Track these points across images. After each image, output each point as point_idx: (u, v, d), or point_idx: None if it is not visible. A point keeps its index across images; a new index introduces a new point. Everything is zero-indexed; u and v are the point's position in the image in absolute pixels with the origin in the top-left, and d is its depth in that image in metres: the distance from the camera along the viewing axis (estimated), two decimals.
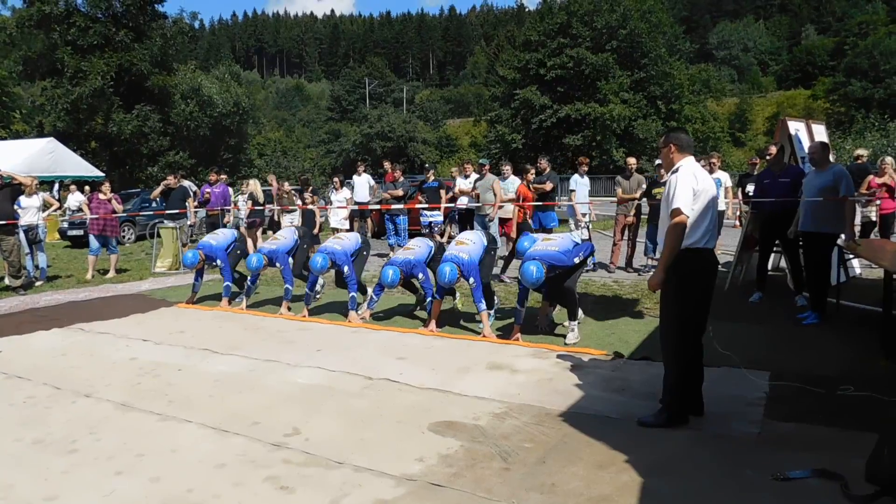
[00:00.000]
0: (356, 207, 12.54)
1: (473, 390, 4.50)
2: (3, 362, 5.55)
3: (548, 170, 10.12)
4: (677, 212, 3.62)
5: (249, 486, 3.18)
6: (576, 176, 10.05)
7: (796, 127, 8.25)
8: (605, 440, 3.59)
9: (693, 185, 3.67)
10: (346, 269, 6.94)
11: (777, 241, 7.24)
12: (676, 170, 3.79)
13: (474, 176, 10.98)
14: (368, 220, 14.49)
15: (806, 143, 7.82)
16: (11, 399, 4.60)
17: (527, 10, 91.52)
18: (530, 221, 9.44)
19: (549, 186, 9.86)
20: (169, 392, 4.66)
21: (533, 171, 9.89)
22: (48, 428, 4.02)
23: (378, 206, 12.33)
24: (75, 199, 14.93)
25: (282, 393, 4.60)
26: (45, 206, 10.48)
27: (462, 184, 11.03)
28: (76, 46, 31.39)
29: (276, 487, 3.17)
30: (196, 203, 12.16)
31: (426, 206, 11.46)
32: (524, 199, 9.42)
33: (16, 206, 9.60)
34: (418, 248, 6.78)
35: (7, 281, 9.31)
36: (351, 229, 11.88)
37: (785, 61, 72.45)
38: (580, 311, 6.10)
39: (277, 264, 7.48)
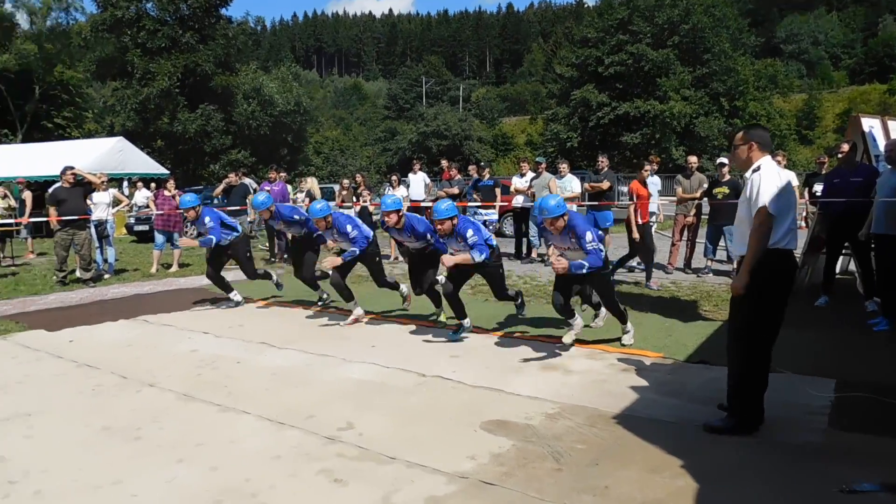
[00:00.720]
0: (411, 205, 12.62)
1: (526, 390, 4.48)
2: (74, 351, 5.81)
3: (605, 168, 9.98)
4: (763, 211, 3.48)
5: (304, 478, 3.24)
6: None
7: (870, 124, 7.89)
8: (659, 444, 3.52)
9: (777, 184, 3.54)
10: (349, 227, 6.57)
11: (846, 244, 6.95)
12: (757, 168, 3.63)
13: (530, 174, 10.92)
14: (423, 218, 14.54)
15: (881, 141, 7.48)
16: (81, 387, 4.81)
17: (585, 6, 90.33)
18: (640, 220, 8.48)
19: (605, 185, 9.72)
20: (228, 384, 4.79)
21: (649, 167, 9.26)
22: (115, 415, 4.18)
23: (432, 204, 12.37)
24: (142, 195, 15.47)
25: (336, 388, 4.68)
26: (115, 202, 10.92)
27: (518, 182, 10.98)
28: (145, 49, 32.63)
29: (330, 480, 3.22)
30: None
31: (479, 204, 11.45)
32: (639, 197, 8.67)
33: (88, 202, 10.04)
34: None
35: (78, 273, 9.74)
36: None
37: (859, 54, 69.27)
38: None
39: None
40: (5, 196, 12.87)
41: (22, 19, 36.66)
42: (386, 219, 6.18)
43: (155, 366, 5.30)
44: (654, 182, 9.81)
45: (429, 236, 6.30)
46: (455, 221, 5.70)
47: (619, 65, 35.53)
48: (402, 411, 4.16)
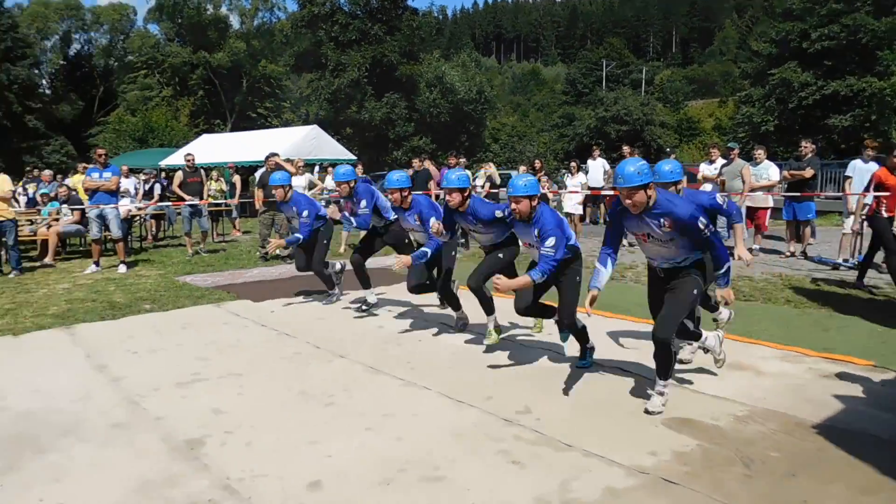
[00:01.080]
0: (589, 192, 12.38)
1: (712, 389, 4.23)
2: (276, 321, 6.41)
3: (810, 154, 9.11)
4: None
5: (483, 457, 3.32)
6: (857, 161, 8.76)
7: None
8: (870, 461, 3.16)
9: None
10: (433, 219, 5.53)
11: None
12: None
13: (720, 161, 10.25)
14: (601, 206, 14.22)
15: None
16: (282, 353, 5.30)
17: None
18: (885, 213, 7.12)
19: (809, 173, 8.88)
20: (411, 360, 5.03)
21: None
22: (310, 381, 4.55)
23: (612, 192, 12.05)
24: (332, 180, 16.59)
25: (513, 371, 4.74)
26: (310, 186, 11.82)
27: (706, 170, 10.36)
28: (337, 42, 34.98)
29: (508, 461, 3.26)
30: (437, 185, 12.86)
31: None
32: (886, 187, 7.31)
33: None
34: None
35: (278, 251, 10.68)
36: (584, 215, 11.77)
37: None
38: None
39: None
40: (218, 179, 14.44)
41: (234, 20, 40.84)
42: (449, 199, 5.13)
43: (344, 339, 5.69)
44: (870, 170, 8.58)
45: (498, 213, 5.03)
46: (535, 203, 4.49)
47: (829, 38, 31.85)
48: (580, 400, 4.12)
